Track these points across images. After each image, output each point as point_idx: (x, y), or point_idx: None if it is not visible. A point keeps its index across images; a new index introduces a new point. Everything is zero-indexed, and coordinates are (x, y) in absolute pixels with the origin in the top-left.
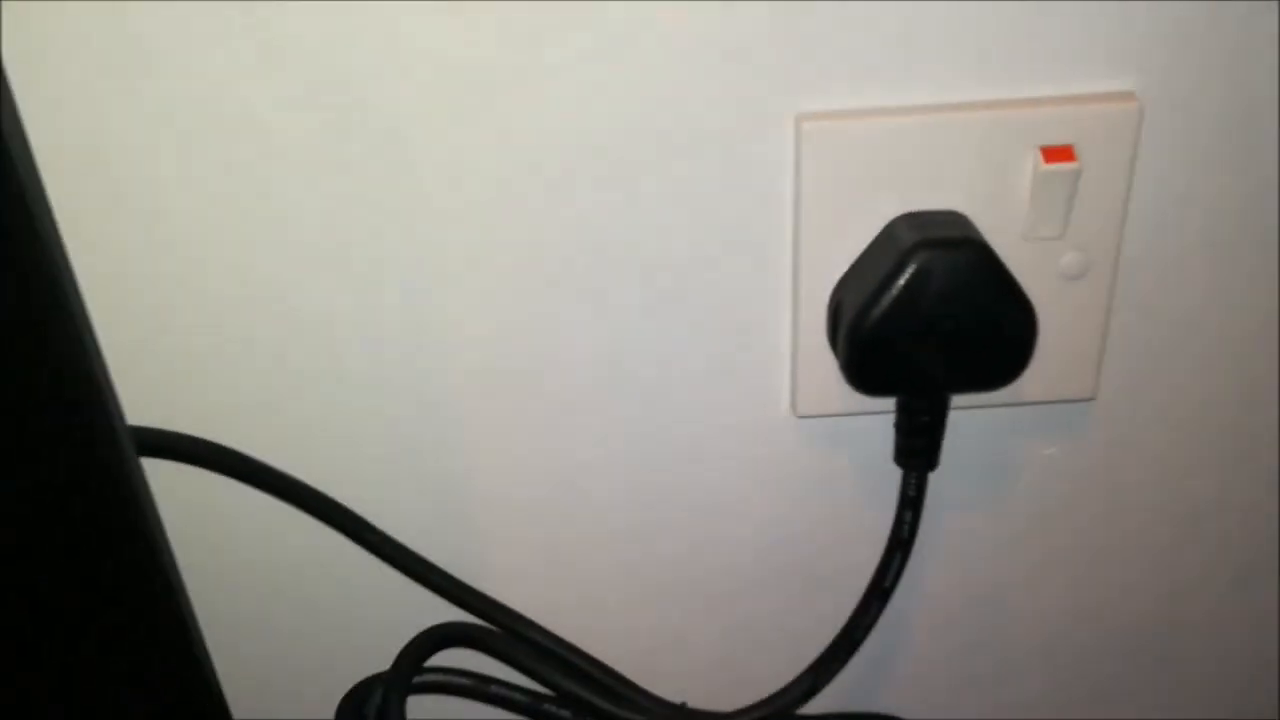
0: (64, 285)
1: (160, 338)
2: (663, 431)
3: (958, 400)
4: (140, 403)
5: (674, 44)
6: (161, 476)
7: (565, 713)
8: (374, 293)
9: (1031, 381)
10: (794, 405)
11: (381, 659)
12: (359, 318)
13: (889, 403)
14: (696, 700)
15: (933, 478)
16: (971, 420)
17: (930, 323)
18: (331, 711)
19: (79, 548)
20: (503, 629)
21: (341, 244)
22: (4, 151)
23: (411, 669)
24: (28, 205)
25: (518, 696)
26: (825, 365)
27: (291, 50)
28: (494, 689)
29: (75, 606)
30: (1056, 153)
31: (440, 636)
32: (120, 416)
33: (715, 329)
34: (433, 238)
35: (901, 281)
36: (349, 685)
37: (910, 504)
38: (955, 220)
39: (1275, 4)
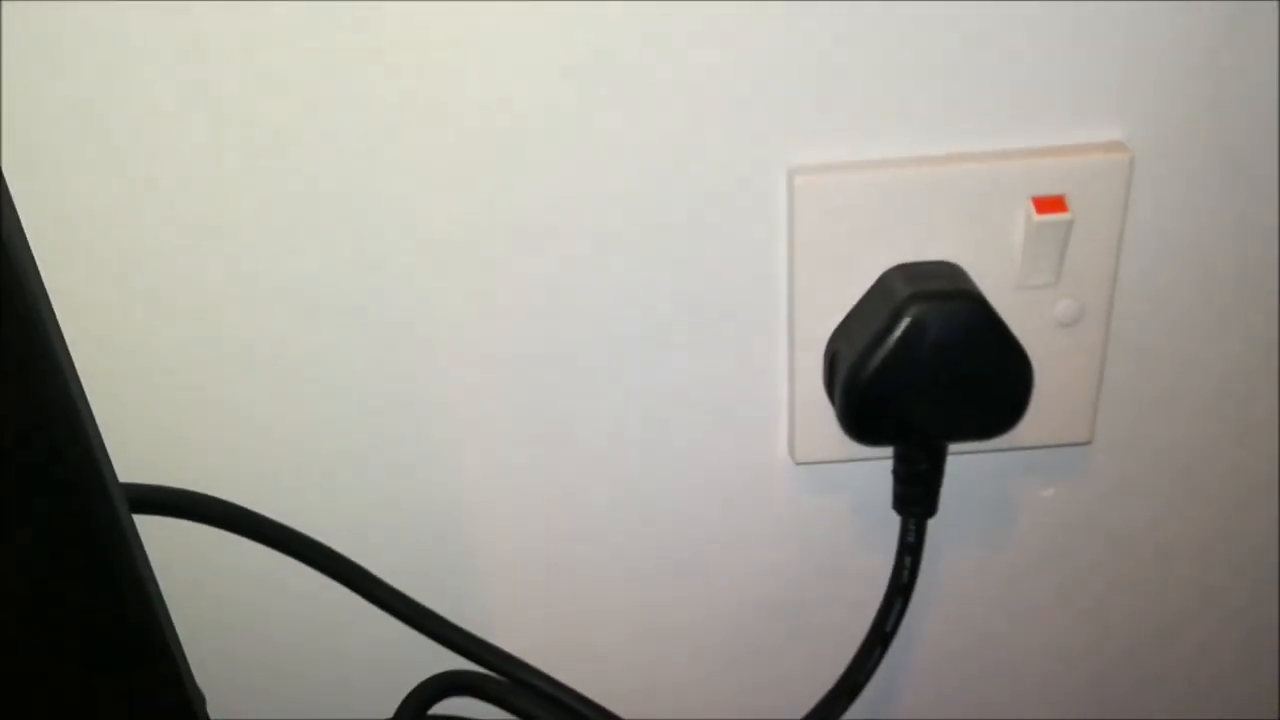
0: (50, 337)
1: (145, 387)
2: (663, 478)
3: (956, 444)
4: (124, 454)
5: (668, 97)
6: (157, 529)
7: None
8: (379, 348)
9: (1029, 426)
10: (792, 452)
11: (383, 707)
12: (357, 366)
13: (887, 449)
14: None
15: (931, 520)
16: (970, 464)
17: (926, 374)
18: None
19: (71, 606)
20: (504, 676)
21: (344, 299)
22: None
23: (414, 717)
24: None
25: None
26: (822, 413)
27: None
28: None
29: (69, 668)
30: (1049, 203)
31: (443, 684)
32: (109, 469)
33: (713, 377)
34: (433, 286)
35: (897, 334)
36: None
37: (910, 550)
38: (949, 271)
39: (1260, 54)
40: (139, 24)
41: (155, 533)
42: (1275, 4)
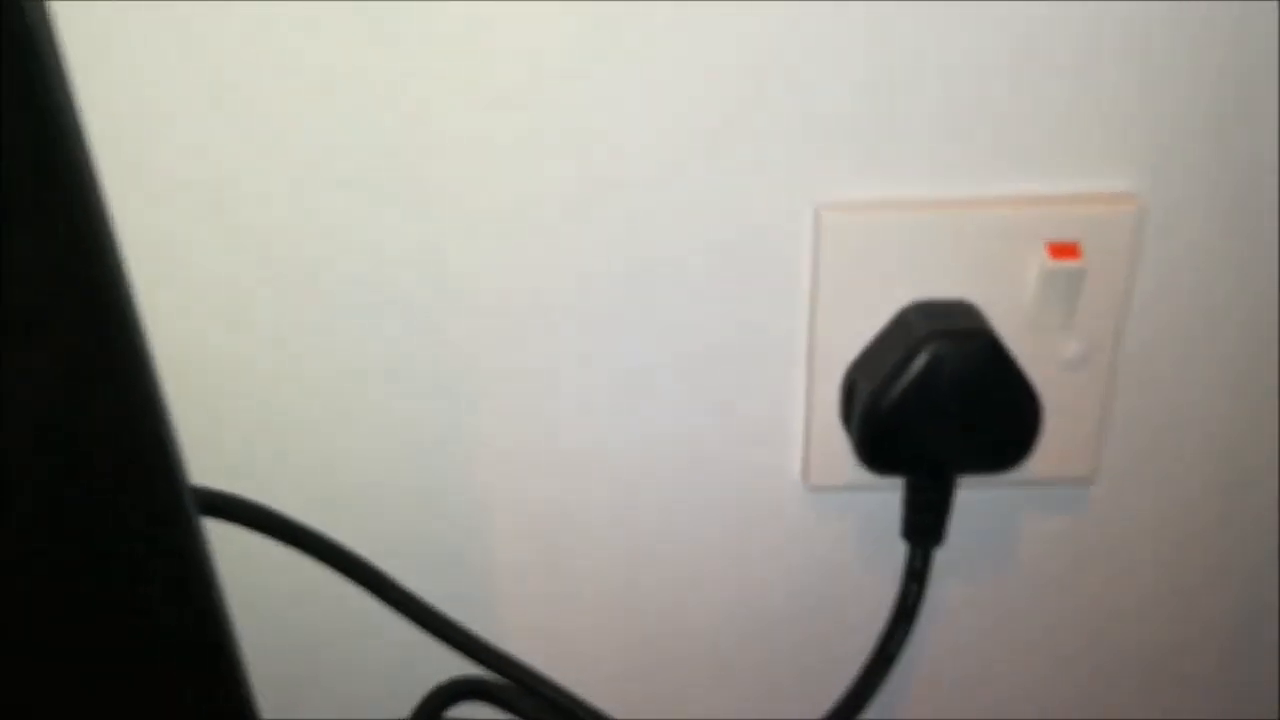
0: (136, 338)
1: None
2: (679, 492)
3: (965, 476)
4: None
5: (698, 130)
6: None
7: None
8: (407, 341)
9: (1035, 462)
10: (805, 476)
11: (397, 711)
12: (380, 366)
13: (898, 478)
14: None
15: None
16: (976, 496)
17: (940, 408)
18: None
19: (140, 604)
20: (516, 683)
21: (370, 294)
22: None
23: None
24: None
25: None
26: (836, 439)
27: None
28: None
29: (139, 670)
30: (1062, 249)
31: (457, 690)
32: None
33: (732, 398)
34: (463, 342)
35: (914, 369)
36: None
37: (916, 576)
38: (965, 310)
39: (1270, 110)
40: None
41: None
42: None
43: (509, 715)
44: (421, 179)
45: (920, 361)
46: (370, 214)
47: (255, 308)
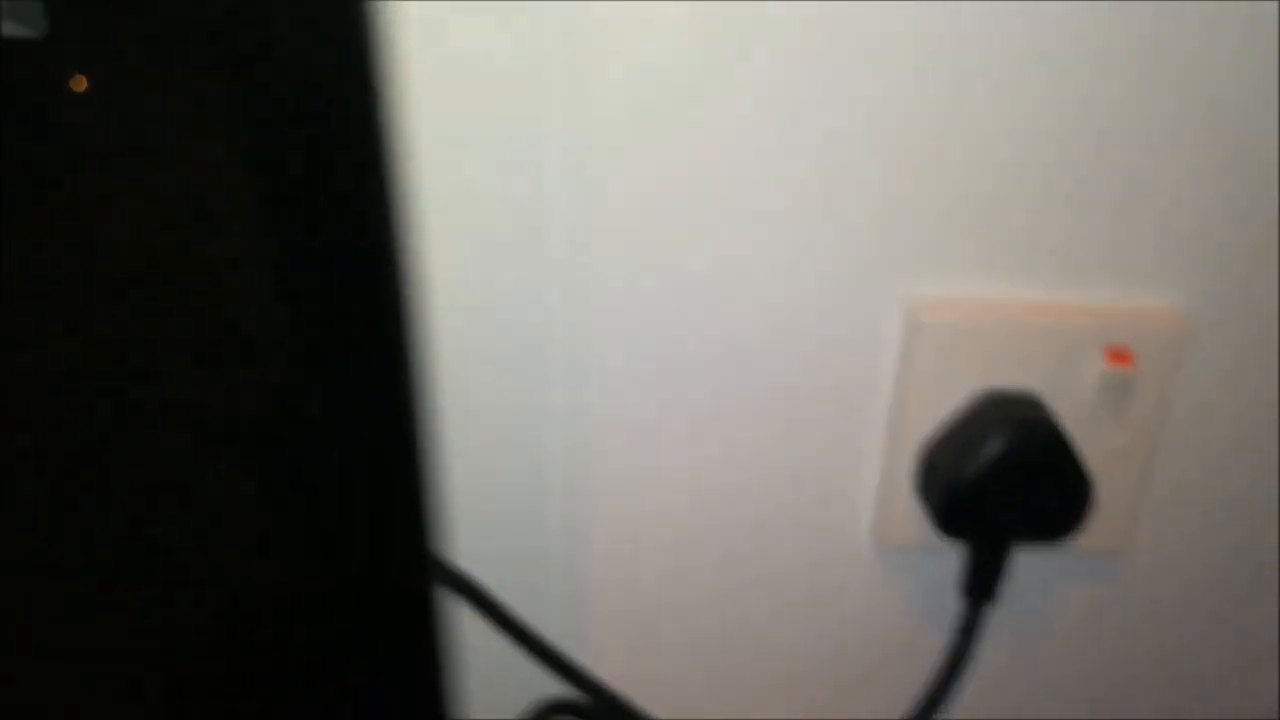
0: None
1: None
2: (757, 545)
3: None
4: None
5: (794, 220)
6: None
7: None
8: (536, 389)
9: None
10: (875, 534)
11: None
12: (503, 403)
13: (957, 540)
14: None
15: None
16: (1023, 561)
17: (1008, 486)
18: None
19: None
20: (606, 706)
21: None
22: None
23: None
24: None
25: None
26: (904, 505)
27: None
28: None
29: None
30: (1118, 355)
31: (551, 708)
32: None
33: (811, 459)
34: (581, 390)
35: (990, 452)
36: None
37: (967, 630)
38: (1031, 401)
39: None
40: None
41: None
42: None
43: None
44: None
45: (995, 446)
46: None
47: None
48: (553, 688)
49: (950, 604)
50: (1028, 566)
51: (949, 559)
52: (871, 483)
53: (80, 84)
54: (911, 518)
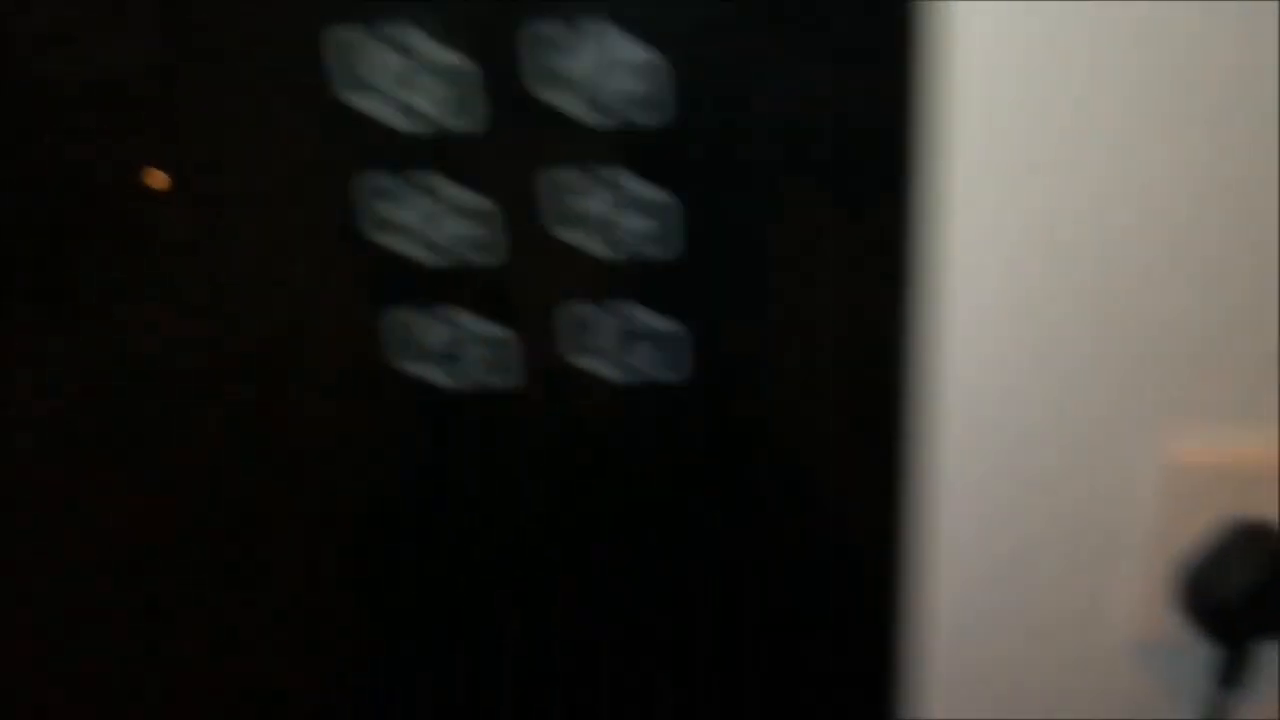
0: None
1: None
2: (1033, 634)
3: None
4: None
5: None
6: None
7: None
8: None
9: None
10: (1129, 629)
11: None
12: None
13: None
14: None
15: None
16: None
17: (1264, 602)
18: None
19: None
20: None
21: None
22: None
23: None
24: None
25: None
26: (1155, 608)
27: None
28: None
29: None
30: None
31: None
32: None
33: (1080, 576)
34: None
35: (1253, 577)
36: None
37: (1220, 712)
38: (1277, 532)
39: None
40: None
41: None
42: None
43: None
44: None
45: (1257, 569)
46: None
47: None
48: None
49: (1197, 692)
50: (1268, 663)
51: (1193, 656)
52: (1131, 595)
53: (159, 180)
54: (1159, 618)
